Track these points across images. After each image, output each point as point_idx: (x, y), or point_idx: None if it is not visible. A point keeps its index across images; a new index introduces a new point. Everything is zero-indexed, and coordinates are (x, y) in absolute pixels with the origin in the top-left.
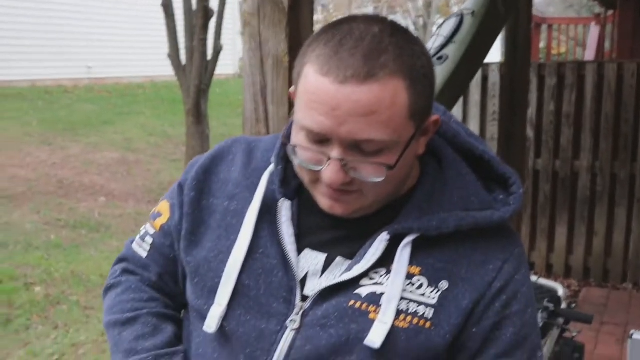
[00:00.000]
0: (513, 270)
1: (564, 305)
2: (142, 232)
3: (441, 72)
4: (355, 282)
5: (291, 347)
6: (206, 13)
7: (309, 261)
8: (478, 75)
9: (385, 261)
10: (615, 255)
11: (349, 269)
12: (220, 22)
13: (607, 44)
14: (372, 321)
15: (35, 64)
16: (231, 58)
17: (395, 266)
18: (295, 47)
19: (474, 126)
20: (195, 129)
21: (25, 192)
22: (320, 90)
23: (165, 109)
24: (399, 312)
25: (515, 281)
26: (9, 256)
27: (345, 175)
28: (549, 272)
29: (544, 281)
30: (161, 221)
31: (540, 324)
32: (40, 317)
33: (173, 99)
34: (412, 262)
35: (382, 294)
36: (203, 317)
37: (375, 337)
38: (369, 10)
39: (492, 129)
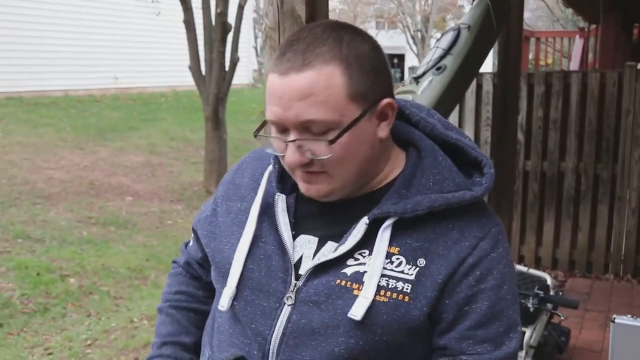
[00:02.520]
0: (489, 248)
1: (552, 293)
2: None
3: (440, 81)
4: (342, 263)
5: (288, 321)
6: (224, 28)
7: (304, 245)
8: (473, 84)
9: (369, 243)
10: (598, 249)
11: (335, 250)
12: (237, 36)
13: (590, 56)
14: (356, 297)
15: (68, 75)
16: (246, 69)
17: (375, 247)
18: None
19: (468, 131)
20: (214, 134)
21: (60, 192)
22: (271, 86)
23: (186, 116)
24: (379, 288)
25: (490, 258)
26: (46, 250)
27: (301, 155)
28: (537, 264)
29: (533, 271)
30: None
31: (531, 310)
32: (75, 306)
33: (193, 106)
34: (391, 243)
35: (364, 272)
36: (220, 298)
37: (357, 310)
38: (372, 25)
39: (486, 134)
